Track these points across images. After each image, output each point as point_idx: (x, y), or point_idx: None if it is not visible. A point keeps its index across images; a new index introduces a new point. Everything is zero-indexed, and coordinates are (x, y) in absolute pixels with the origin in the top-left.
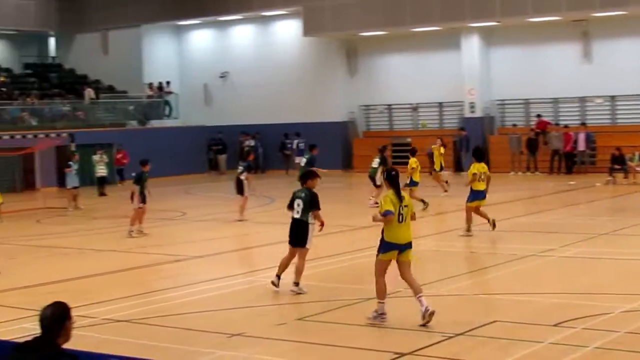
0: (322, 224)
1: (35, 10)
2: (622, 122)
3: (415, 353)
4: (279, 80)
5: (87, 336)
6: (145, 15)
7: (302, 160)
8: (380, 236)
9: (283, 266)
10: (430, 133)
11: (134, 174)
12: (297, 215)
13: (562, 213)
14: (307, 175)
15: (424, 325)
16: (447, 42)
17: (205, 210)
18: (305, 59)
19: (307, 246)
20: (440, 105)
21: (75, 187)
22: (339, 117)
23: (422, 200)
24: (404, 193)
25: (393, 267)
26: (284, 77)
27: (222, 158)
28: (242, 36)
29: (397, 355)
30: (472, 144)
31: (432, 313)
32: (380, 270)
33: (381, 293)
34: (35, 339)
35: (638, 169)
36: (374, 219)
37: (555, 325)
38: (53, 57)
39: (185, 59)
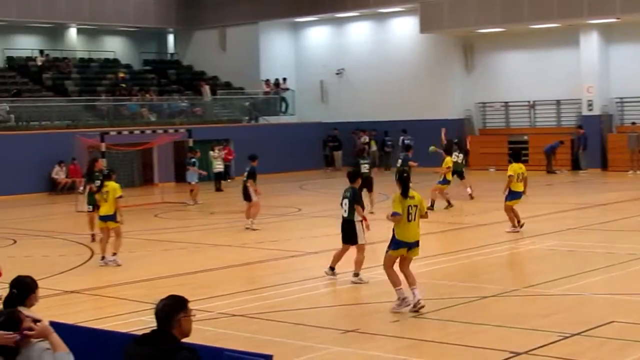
0: (364, 220)
1: (154, 7)
2: None
3: (531, 353)
4: (394, 77)
5: (203, 330)
6: (262, 12)
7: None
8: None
9: (336, 259)
10: (548, 131)
11: (247, 169)
12: (345, 215)
13: None
14: (353, 175)
15: (415, 310)
16: (565, 39)
17: (321, 207)
18: (421, 55)
19: (360, 242)
20: (558, 102)
21: (196, 182)
22: (455, 115)
23: (448, 202)
24: (414, 192)
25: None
26: (400, 74)
27: (338, 154)
28: (358, 33)
29: (512, 355)
30: (590, 142)
31: (423, 307)
32: (389, 264)
33: (396, 280)
34: (153, 332)
35: None
36: (388, 218)
37: None
38: (172, 54)
39: (301, 55)
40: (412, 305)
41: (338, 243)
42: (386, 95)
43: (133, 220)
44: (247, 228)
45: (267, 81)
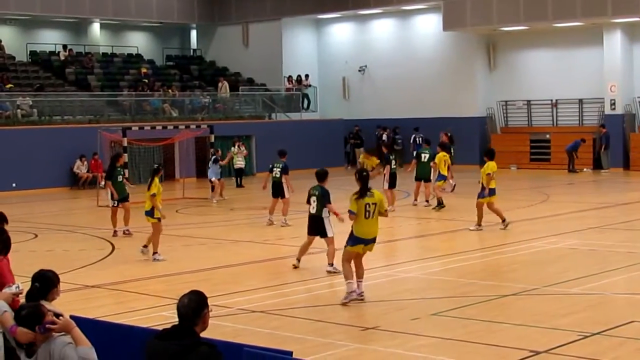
0: (337, 215)
1: (178, 3)
2: None
3: (551, 352)
4: (417, 74)
5: (223, 326)
6: (285, 9)
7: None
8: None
9: (302, 251)
10: (570, 130)
11: (280, 165)
12: (312, 211)
13: None
14: (322, 175)
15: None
16: (589, 37)
17: (341, 204)
18: (444, 53)
19: (329, 235)
20: (580, 101)
21: (218, 179)
22: (478, 113)
23: (440, 200)
24: (374, 190)
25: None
26: (423, 72)
27: (359, 152)
28: (381, 30)
29: (532, 354)
30: (612, 141)
31: (362, 300)
32: (347, 259)
33: (348, 274)
34: (175, 327)
35: None
36: (339, 217)
37: None
38: (194, 50)
39: (324, 52)
40: (356, 294)
41: None
42: (408, 93)
43: None
44: (281, 225)
45: (289, 77)
